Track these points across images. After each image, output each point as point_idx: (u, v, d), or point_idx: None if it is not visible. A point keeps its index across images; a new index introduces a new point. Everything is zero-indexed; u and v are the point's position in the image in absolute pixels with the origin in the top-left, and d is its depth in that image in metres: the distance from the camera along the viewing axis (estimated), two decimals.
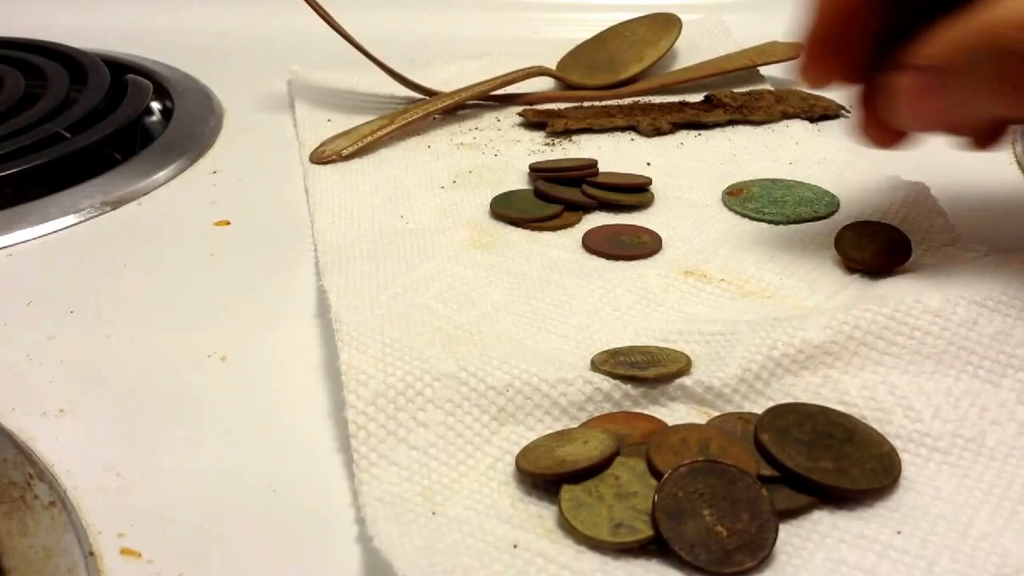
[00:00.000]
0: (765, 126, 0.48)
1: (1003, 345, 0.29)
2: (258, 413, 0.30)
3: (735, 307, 0.33)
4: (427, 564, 0.23)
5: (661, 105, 0.50)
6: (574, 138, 0.47)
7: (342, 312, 0.31)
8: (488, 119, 0.50)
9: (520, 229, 0.38)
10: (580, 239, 0.37)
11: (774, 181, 0.42)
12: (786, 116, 0.48)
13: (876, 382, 0.28)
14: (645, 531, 0.24)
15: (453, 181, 0.43)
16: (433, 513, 0.25)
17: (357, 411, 0.27)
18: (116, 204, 0.42)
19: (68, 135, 0.48)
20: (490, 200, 0.40)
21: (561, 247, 0.37)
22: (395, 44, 0.54)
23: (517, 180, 0.43)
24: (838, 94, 0.51)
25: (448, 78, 0.53)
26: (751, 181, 0.41)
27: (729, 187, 0.41)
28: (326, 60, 0.53)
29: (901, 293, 0.30)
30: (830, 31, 0.32)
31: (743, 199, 0.40)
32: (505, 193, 0.41)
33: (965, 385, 0.28)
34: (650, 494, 0.24)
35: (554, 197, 0.40)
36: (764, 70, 0.55)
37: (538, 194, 0.40)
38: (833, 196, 0.40)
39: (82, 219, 0.41)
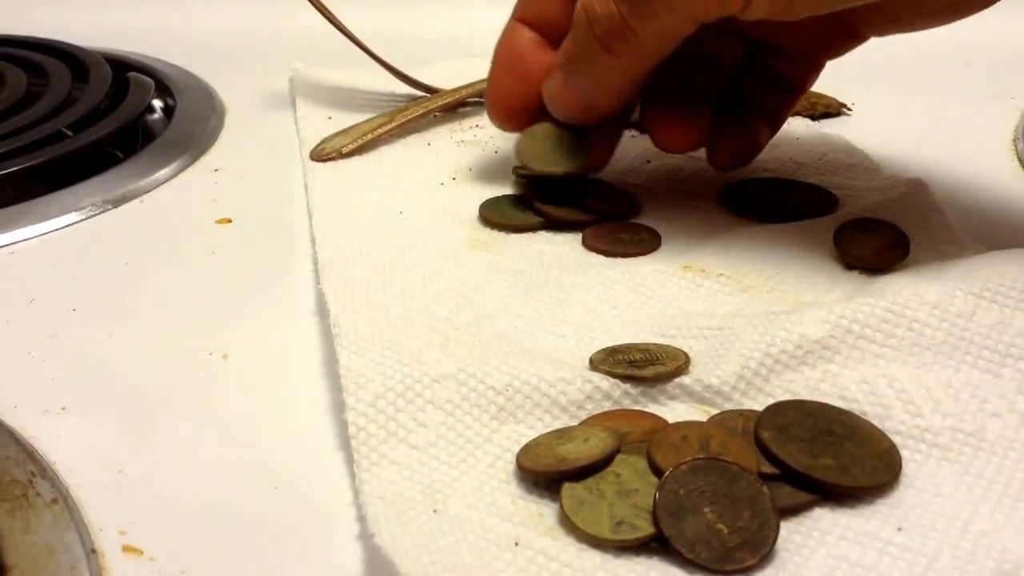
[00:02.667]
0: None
1: (1002, 335, 0.29)
2: (259, 411, 0.30)
3: (733, 302, 0.33)
4: (428, 562, 0.23)
5: None
6: None
7: (340, 316, 0.31)
8: None
9: (548, 233, 0.38)
10: (579, 236, 0.37)
11: (775, 179, 0.42)
12: None
13: (876, 376, 0.28)
14: (646, 529, 0.24)
15: (453, 178, 0.43)
16: (434, 511, 0.25)
17: (357, 413, 0.27)
18: (118, 202, 0.42)
19: (70, 133, 0.48)
20: (479, 204, 0.40)
21: (560, 244, 0.37)
22: (396, 42, 0.54)
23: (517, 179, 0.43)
24: (839, 92, 0.51)
25: (449, 76, 0.53)
26: (751, 179, 0.42)
27: (726, 185, 0.41)
28: (327, 58, 0.53)
29: (899, 287, 0.30)
30: (507, 79, 0.39)
31: (742, 197, 0.40)
32: (496, 198, 0.40)
33: (965, 376, 0.28)
34: (651, 492, 0.24)
35: (554, 217, 0.38)
36: None
37: (535, 211, 0.39)
38: (833, 193, 0.40)
39: (84, 217, 0.41)
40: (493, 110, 0.40)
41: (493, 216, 0.39)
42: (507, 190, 0.41)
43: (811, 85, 0.41)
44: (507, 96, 0.39)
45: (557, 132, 0.39)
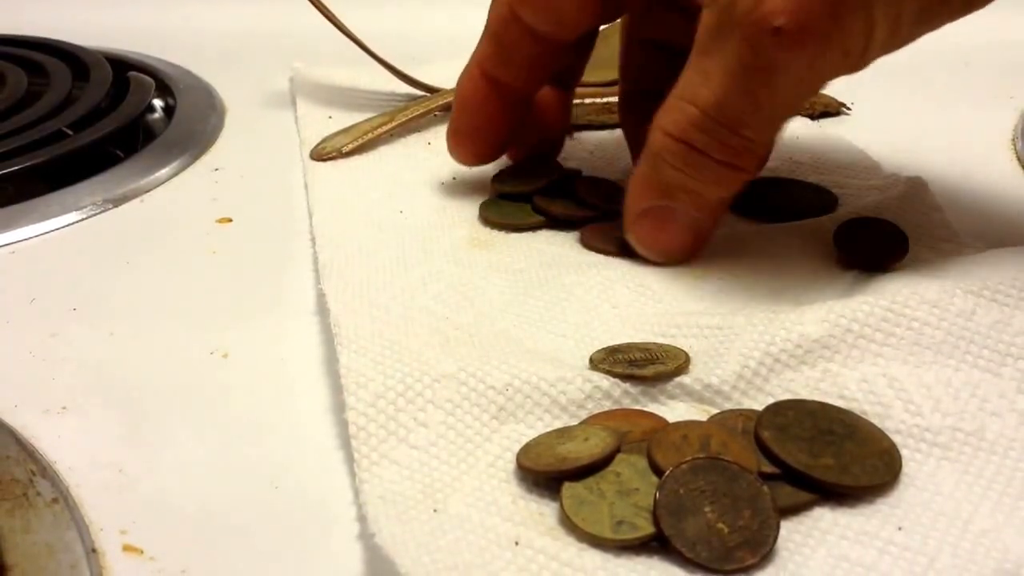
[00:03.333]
0: None
1: (1002, 334, 0.29)
2: (260, 410, 0.30)
3: (733, 301, 0.33)
4: (429, 561, 0.23)
5: None
6: (575, 135, 0.47)
7: (341, 315, 0.31)
8: None
9: (548, 231, 0.38)
10: (578, 235, 0.37)
11: (775, 178, 0.42)
12: None
13: (875, 375, 0.28)
14: (646, 528, 0.24)
15: (453, 178, 0.43)
16: (435, 511, 0.25)
17: (357, 412, 0.27)
18: (118, 201, 0.42)
19: (70, 132, 0.48)
20: (479, 204, 0.40)
21: (560, 243, 0.37)
22: (396, 41, 0.54)
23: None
24: (838, 92, 0.51)
25: (449, 75, 0.52)
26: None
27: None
28: (328, 57, 0.53)
29: (898, 286, 0.30)
30: (468, 124, 0.39)
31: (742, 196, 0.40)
32: (496, 197, 0.40)
33: (965, 375, 0.28)
34: (651, 491, 0.24)
35: (554, 215, 0.39)
36: None
37: (535, 210, 0.39)
38: (832, 193, 0.40)
39: (84, 216, 0.41)
40: (459, 156, 0.41)
41: (493, 216, 0.39)
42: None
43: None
44: (473, 146, 0.40)
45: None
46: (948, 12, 0.30)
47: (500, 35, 0.37)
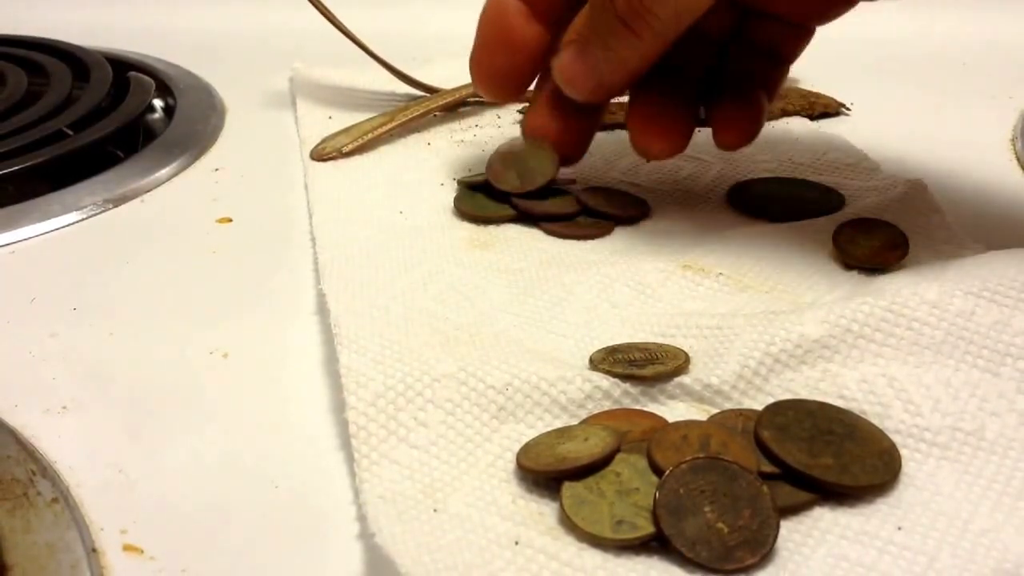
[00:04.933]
0: (765, 123, 0.48)
1: (1001, 334, 0.29)
2: (260, 410, 0.30)
3: (733, 302, 0.33)
4: (429, 560, 0.23)
5: None
6: None
7: (341, 316, 0.31)
8: (489, 116, 0.50)
9: (517, 225, 0.38)
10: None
11: (774, 178, 0.42)
12: (786, 113, 0.49)
13: (875, 375, 0.28)
14: (646, 528, 0.24)
15: (453, 178, 0.43)
16: (435, 510, 0.25)
17: (357, 412, 0.27)
18: (118, 201, 0.42)
19: (71, 132, 0.48)
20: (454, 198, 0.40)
21: (560, 243, 0.37)
22: (396, 41, 0.54)
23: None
24: (838, 92, 0.51)
25: (449, 75, 0.53)
26: (757, 179, 0.42)
27: (733, 185, 0.41)
28: (327, 57, 0.53)
29: (898, 286, 0.30)
30: (491, 46, 0.39)
31: (743, 196, 0.40)
32: (469, 190, 0.40)
33: (964, 375, 0.28)
34: (651, 491, 0.24)
35: (532, 213, 0.39)
36: None
37: (512, 207, 0.39)
38: (832, 193, 0.40)
39: (84, 216, 0.41)
40: (479, 79, 0.40)
41: (467, 208, 0.39)
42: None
43: (800, 54, 0.40)
44: (492, 66, 0.39)
45: (523, 150, 0.39)
46: None
47: None
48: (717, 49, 0.40)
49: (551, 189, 0.39)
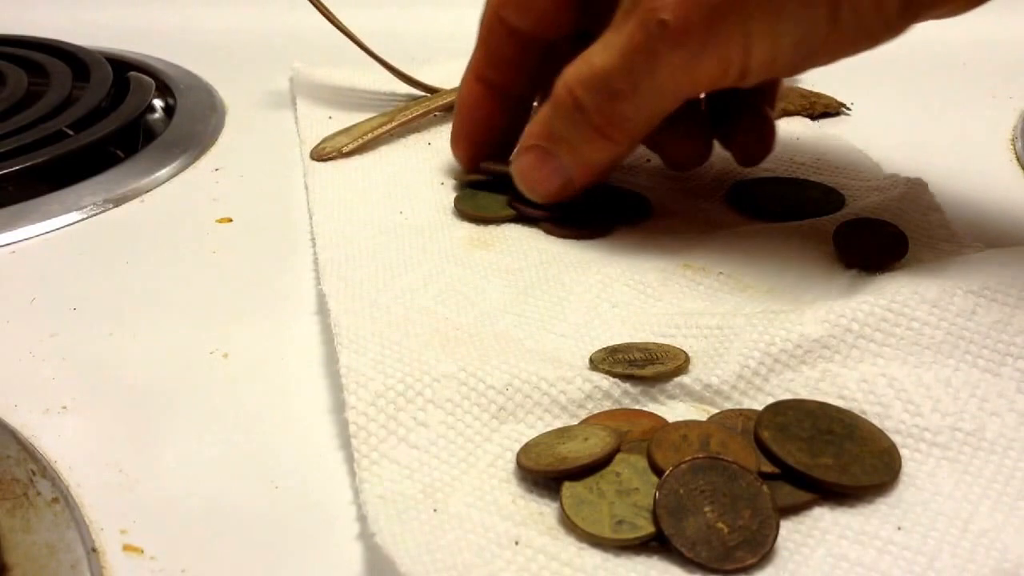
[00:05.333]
0: None
1: (1001, 334, 0.29)
2: (260, 410, 0.30)
3: (733, 301, 0.33)
4: (429, 560, 0.23)
5: None
6: None
7: (341, 316, 0.31)
8: None
9: (517, 225, 0.38)
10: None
11: (774, 178, 0.42)
12: (786, 113, 0.49)
13: (875, 375, 0.28)
14: (646, 528, 0.24)
15: (453, 178, 0.43)
16: (435, 510, 0.25)
17: (357, 412, 0.27)
18: (119, 201, 0.42)
19: (71, 132, 0.48)
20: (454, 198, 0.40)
21: (560, 242, 0.37)
22: (396, 41, 0.54)
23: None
24: (838, 92, 0.51)
25: (449, 75, 0.52)
26: (758, 178, 0.42)
27: (733, 184, 0.41)
28: (328, 57, 0.53)
29: (898, 286, 0.30)
30: (465, 127, 0.41)
31: (744, 196, 0.40)
32: (471, 190, 0.41)
33: (964, 375, 0.28)
34: (651, 491, 0.24)
35: (530, 216, 0.39)
36: None
37: (512, 207, 0.39)
38: (833, 193, 0.40)
39: (85, 216, 0.41)
40: (459, 159, 0.42)
41: (467, 208, 0.39)
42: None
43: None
44: (471, 148, 0.41)
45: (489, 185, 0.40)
46: (829, 51, 0.32)
47: (488, 39, 0.39)
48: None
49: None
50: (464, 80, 0.40)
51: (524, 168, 0.37)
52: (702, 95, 0.34)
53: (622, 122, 0.34)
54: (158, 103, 0.55)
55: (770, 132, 0.40)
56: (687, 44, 0.31)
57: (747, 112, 0.39)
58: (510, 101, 0.40)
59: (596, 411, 0.28)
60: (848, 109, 0.50)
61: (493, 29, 0.39)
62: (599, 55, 0.33)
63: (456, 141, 0.41)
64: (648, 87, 0.33)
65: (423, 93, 0.51)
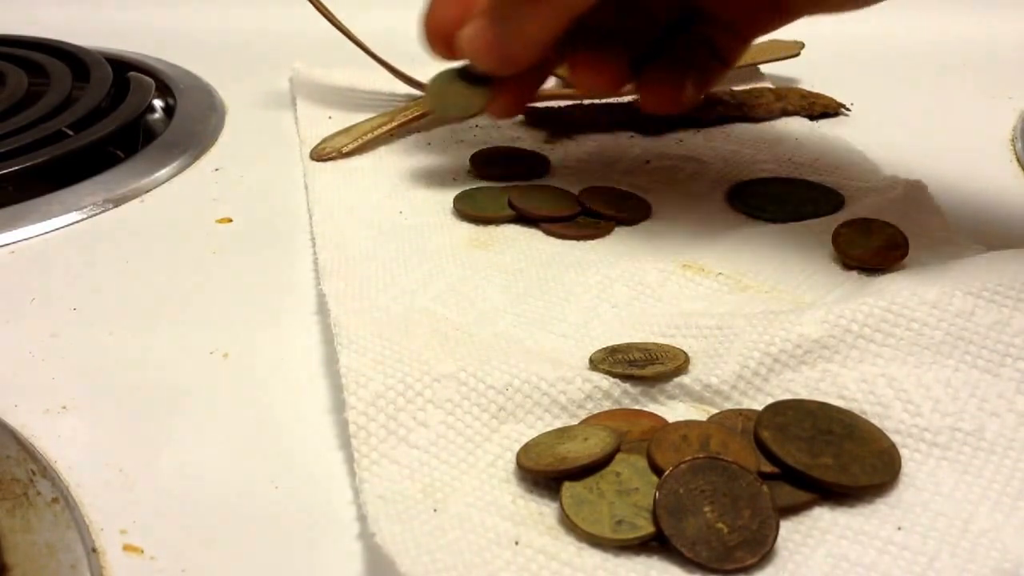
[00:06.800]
0: (765, 123, 0.48)
1: (1000, 335, 0.29)
2: (260, 410, 0.30)
3: (733, 302, 0.33)
4: (429, 560, 0.23)
5: None
6: (575, 136, 0.47)
7: (341, 316, 0.31)
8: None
9: (517, 225, 0.38)
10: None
11: (774, 179, 0.42)
12: (786, 113, 0.49)
13: (875, 375, 0.28)
14: (646, 528, 0.24)
15: (453, 179, 0.43)
16: (435, 510, 0.25)
17: (357, 412, 0.27)
18: (118, 201, 0.42)
19: (71, 132, 0.48)
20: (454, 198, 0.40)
21: (559, 243, 0.37)
22: (396, 41, 0.54)
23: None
24: (838, 92, 0.51)
25: None
26: (758, 179, 0.42)
27: (733, 185, 0.41)
28: (328, 58, 0.53)
29: (898, 287, 0.30)
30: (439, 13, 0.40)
31: (743, 196, 0.40)
32: (469, 190, 0.41)
33: (964, 376, 0.28)
34: (651, 491, 0.24)
35: (529, 215, 0.39)
36: (764, 68, 0.55)
37: (511, 207, 0.39)
38: (832, 193, 0.40)
39: (85, 216, 0.41)
40: (427, 38, 0.41)
41: (467, 208, 0.39)
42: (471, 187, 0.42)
43: (738, 60, 0.41)
44: (442, 24, 0.40)
45: (460, 77, 0.40)
46: None
47: None
48: (660, 28, 0.40)
49: (551, 189, 0.39)
50: None
51: (469, 36, 0.38)
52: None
53: None
54: (158, 103, 0.55)
55: (673, 91, 0.40)
56: None
57: (663, 63, 0.40)
58: None
59: (596, 411, 0.28)
60: (848, 109, 0.50)
61: None
62: None
63: (432, 25, 0.41)
64: None
65: (423, 93, 0.51)
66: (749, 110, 0.48)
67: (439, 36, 0.40)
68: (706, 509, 0.24)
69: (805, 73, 0.54)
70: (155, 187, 0.44)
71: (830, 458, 0.25)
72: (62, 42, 0.59)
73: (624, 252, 0.36)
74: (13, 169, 0.44)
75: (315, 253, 0.37)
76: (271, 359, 0.32)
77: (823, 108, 0.50)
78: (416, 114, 0.48)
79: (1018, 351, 0.28)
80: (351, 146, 0.45)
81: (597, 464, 0.25)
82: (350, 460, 0.27)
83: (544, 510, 0.25)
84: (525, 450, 0.26)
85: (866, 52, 0.59)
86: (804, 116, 0.49)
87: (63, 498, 0.26)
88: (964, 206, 0.40)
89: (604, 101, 0.51)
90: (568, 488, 0.25)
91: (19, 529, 0.25)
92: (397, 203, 0.40)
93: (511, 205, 0.39)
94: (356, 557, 0.25)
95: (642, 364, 0.29)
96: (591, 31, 0.38)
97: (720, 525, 0.23)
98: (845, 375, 0.28)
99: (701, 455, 0.25)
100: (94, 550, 0.25)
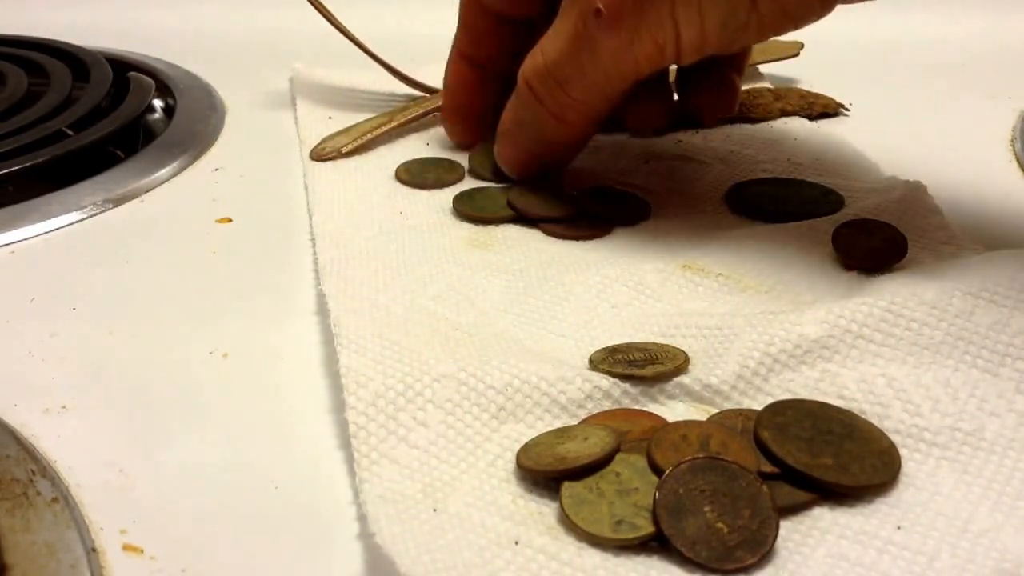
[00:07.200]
0: (764, 124, 0.48)
1: (1000, 335, 0.29)
2: (260, 410, 0.30)
3: (732, 302, 0.33)
4: (429, 560, 0.23)
5: None
6: None
7: (341, 316, 0.31)
8: None
9: (517, 225, 0.38)
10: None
11: (773, 179, 0.42)
12: (785, 114, 0.49)
13: (874, 375, 0.28)
14: (646, 528, 0.24)
15: (453, 179, 0.43)
16: (434, 510, 0.25)
17: (357, 412, 0.27)
18: (118, 201, 0.43)
19: (71, 132, 0.48)
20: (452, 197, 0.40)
21: (559, 243, 0.37)
22: (396, 41, 0.54)
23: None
24: (838, 92, 0.51)
25: None
26: (756, 179, 0.42)
27: (732, 185, 0.41)
28: (327, 58, 0.53)
29: (897, 287, 0.30)
30: (453, 102, 0.44)
31: (743, 197, 0.40)
32: (468, 190, 0.41)
33: (963, 376, 0.28)
34: (651, 491, 0.24)
35: (528, 215, 0.39)
36: (763, 68, 0.55)
37: (510, 207, 0.39)
38: (832, 194, 0.40)
39: (85, 216, 0.41)
40: (450, 134, 0.45)
41: (466, 208, 0.39)
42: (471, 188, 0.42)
43: (746, 63, 0.43)
44: (460, 123, 0.45)
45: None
46: (756, 31, 0.33)
47: (466, 18, 0.42)
48: None
49: (550, 189, 0.40)
50: (449, 58, 0.44)
51: (503, 155, 0.41)
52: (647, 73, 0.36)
53: (575, 105, 0.37)
54: (158, 103, 0.55)
55: (730, 94, 0.41)
56: (621, 30, 0.33)
57: (710, 76, 0.40)
58: (493, 77, 0.42)
59: (596, 411, 0.28)
60: (847, 109, 0.50)
61: (470, 8, 0.42)
62: (549, 44, 0.36)
63: (446, 117, 0.45)
64: (593, 72, 0.35)
65: (423, 93, 0.51)
66: (748, 110, 0.48)
67: (460, 138, 0.45)
68: (706, 509, 0.24)
69: (804, 73, 0.54)
70: (155, 187, 0.44)
71: (830, 458, 0.25)
72: (62, 42, 0.59)
73: (624, 252, 0.36)
74: (13, 169, 0.44)
75: (315, 253, 0.37)
76: (271, 359, 0.32)
77: (822, 108, 0.50)
78: (416, 114, 0.48)
79: (1017, 351, 0.28)
80: (351, 146, 0.45)
81: (597, 464, 0.25)
82: (350, 460, 0.27)
83: (544, 510, 0.25)
84: (525, 450, 0.26)
85: (865, 52, 0.59)
86: (803, 116, 0.49)
87: (63, 498, 0.26)
88: (963, 206, 0.40)
89: None
90: (568, 488, 0.25)
91: (19, 529, 0.25)
92: (397, 203, 0.40)
93: (510, 205, 0.39)
94: (356, 557, 0.25)
95: (642, 364, 0.29)
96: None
97: (720, 525, 0.23)
98: (845, 375, 0.28)
99: (701, 455, 0.25)
100: (94, 550, 0.25)
